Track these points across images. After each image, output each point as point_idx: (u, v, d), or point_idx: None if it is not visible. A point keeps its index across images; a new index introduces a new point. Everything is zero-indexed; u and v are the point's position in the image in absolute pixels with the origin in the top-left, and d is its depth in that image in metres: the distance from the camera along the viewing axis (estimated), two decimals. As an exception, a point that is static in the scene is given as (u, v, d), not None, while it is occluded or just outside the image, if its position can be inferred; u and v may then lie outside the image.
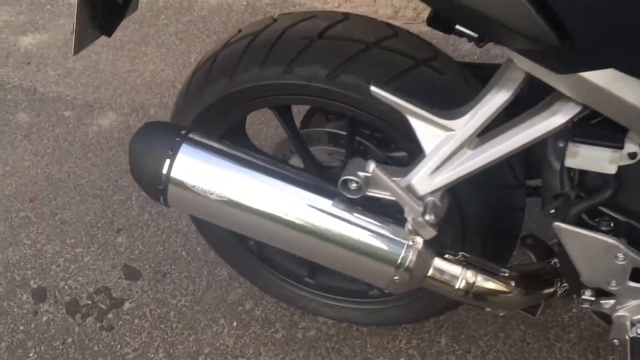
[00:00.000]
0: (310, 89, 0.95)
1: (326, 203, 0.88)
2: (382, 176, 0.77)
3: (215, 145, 0.92)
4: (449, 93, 0.92)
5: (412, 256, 0.87)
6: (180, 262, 1.57)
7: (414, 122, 0.79)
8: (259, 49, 0.98)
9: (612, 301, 0.89)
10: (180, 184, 0.89)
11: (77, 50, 1.01)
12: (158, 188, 0.90)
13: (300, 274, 1.34)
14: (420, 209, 0.79)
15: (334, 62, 0.93)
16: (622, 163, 0.75)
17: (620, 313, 0.88)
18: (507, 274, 0.92)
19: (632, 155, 0.74)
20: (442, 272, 0.90)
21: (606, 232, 0.82)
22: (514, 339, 1.37)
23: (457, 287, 0.90)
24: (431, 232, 0.82)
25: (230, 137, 1.08)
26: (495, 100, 0.76)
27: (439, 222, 0.80)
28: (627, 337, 0.87)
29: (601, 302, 0.90)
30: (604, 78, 0.68)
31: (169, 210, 1.67)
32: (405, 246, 0.87)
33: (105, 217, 1.68)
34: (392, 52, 0.93)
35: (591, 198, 0.80)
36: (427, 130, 0.78)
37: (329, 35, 0.95)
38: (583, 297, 0.91)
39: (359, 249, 0.89)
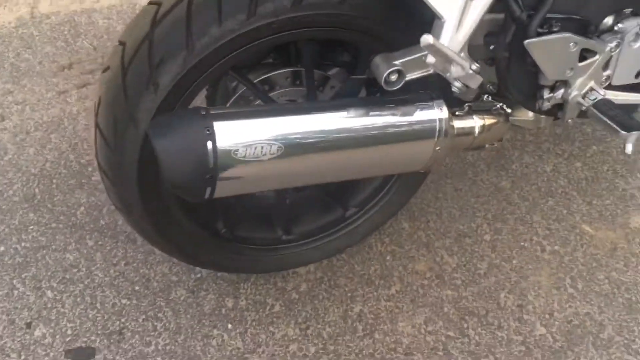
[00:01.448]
0: (278, 24, 0.93)
1: (362, 112, 0.90)
2: (439, 44, 0.83)
3: (237, 109, 0.85)
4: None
5: (444, 123, 0.96)
6: (127, 310, 1.37)
7: None
8: (206, 5, 0.91)
9: (562, 90, 1.13)
10: (230, 161, 0.81)
11: None
12: (206, 178, 0.80)
13: (278, 237, 1.31)
14: (468, 62, 0.88)
15: (293, -13, 0.92)
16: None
17: (573, 94, 1.12)
18: (498, 106, 1.07)
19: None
20: (463, 127, 1.01)
21: (554, 33, 1.03)
22: (449, 192, 1.58)
23: (476, 134, 1.03)
24: (479, 79, 0.92)
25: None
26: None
27: (477, 70, 0.91)
28: (586, 107, 1.12)
29: (555, 94, 1.13)
30: None
31: (71, 273, 1.42)
32: (437, 118, 0.95)
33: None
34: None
35: (542, 8, 0.99)
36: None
37: (272, -36, 0.93)
38: (544, 97, 1.13)
39: (402, 137, 0.95)
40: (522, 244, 1.49)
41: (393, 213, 1.37)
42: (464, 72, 0.91)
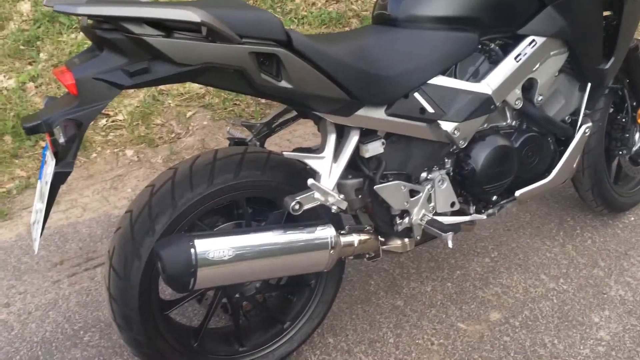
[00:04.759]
0: (226, 188, 1.58)
1: (283, 233, 1.52)
2: (319, 184, 1.50)
3: (209, 233, 1.44)
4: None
5: (334, 239, 1.59)
6: None
7: (310, 161, 1.55)
8: (183, 181, 1.55)
9: (407, 217, 1.80)
10: (205, 260, 1.38)
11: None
12: (191, 271, 1.35)
13: (236, 349, 1.79)
14: (337, 194, 1.55)
15: (232, 167, 1.59)
16: (385, 145, 1.69)
17: (414, 219, 1.79)
18: (369, 229, 1.72)
19: (386, 136, 1.69)
20: (347, 241, 1.65)
21: (390, 181, 1.73)
22: (360, 314, 2.12)
23: (355, 245, 1.66)
24: (345, 203, 1.57)
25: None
26: (331, 138, 1.60)
27: (344, 199, 1.58)
28: (424, 225, 1.78)
29: (403, 220, 1.80)
30: (365, 111, 1.61)
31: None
32: (329, 236, 1.59)
33: None
34: (254, 153, 1.66)
35: (380, 168, 1.70)
36: (315, 162, 1.56)
37: (219, 157, 1.60)
38: (397, 224, 1.79)
39: (308, 248, 1.55)
40: (417, 341, 2.01)
41: (317, 323, 1.89)
42: (334, 200, 1.56)
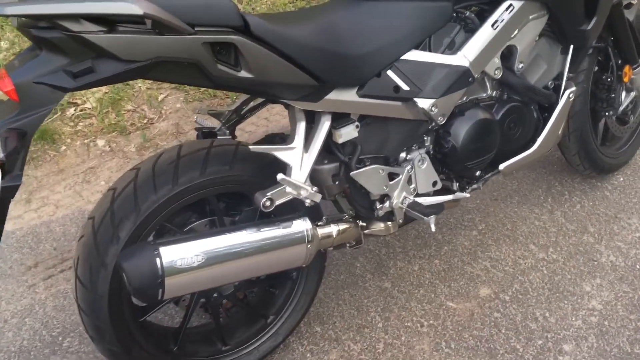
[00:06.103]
0: (193, 188, 1.48)
1: (255, 231, 1.44)
2: (290, 179, 1.40)
3: (174, 238, 1.36)
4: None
5: (311, 232, 1.51)
6: None
7: (279, 154, 1.45)
8: (146, 183, 1.45)
9: (387, 202, 1.71)
10: (172, 269, 1.29)
11: None
12: (157, 282, 1.27)
13: (218, 348, 1.73)
14: (309, 187, 1.46)
15: (198, 164, 1.49)
16: (359, 128, 1.59)
17: (394, 202, 1.71)
18: (348, 217, 1.64)
19: (360, 119, 1.60)
20: (325, 233, 1.56)
21: (367, 166, 1.64)
22: (347, 299, 2.06)
23: (334, 236, 1.58)
24: (319, 196, 1.48)
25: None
26: (300, 126, 1.50)
27: (317, 191, 1.49)
28: (405, 209, 1.70)
29: (384, 204, 1.72)
30: (335, 94, 1.51)
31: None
32: (305, 229, 1.50)
33: None
34: (220, 147, 1.56)
35: (355, 153, 1.61)
36: (285, 154, 1.46)
37: (183, 154, 1.51)
38: (378, 209, 1.71)
39: (283, 244, 1.47)
40: (406, 324, 1.96)
41: (302, 314, 1.82)
42: (307, 193, 1.48)
